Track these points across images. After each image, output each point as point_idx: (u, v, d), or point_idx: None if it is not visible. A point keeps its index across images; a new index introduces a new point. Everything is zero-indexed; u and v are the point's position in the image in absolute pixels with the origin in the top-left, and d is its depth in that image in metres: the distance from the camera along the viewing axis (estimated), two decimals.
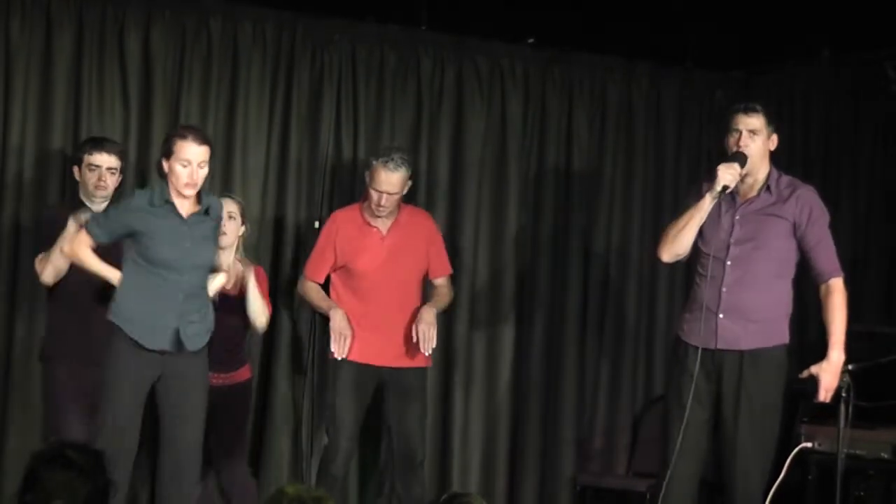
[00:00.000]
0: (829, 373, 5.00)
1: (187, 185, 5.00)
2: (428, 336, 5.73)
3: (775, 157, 6.88)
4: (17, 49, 5.88)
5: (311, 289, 5.87)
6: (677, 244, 5.14)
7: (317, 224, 6.26)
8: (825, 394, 5.01)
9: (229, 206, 5.59)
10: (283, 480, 6.06)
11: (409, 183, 5.84)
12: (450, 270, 6.03)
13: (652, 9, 6.46)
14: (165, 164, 5.03)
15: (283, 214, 6.33)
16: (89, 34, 5.98)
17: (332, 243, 5.82)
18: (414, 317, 5.79)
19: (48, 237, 5.36)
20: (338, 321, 5.69)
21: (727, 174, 5.02)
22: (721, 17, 6.54)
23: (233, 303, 5.59)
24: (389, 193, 5.72)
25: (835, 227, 6.37)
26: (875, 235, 6.87)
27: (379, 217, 5.79)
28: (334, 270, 5.86)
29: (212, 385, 5.44)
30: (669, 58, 7.09)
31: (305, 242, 6.28)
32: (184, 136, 5.04)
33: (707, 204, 5.06)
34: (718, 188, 5.02)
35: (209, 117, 6.20)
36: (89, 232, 5.04)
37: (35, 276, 5.41)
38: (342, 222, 5.85)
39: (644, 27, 6.67)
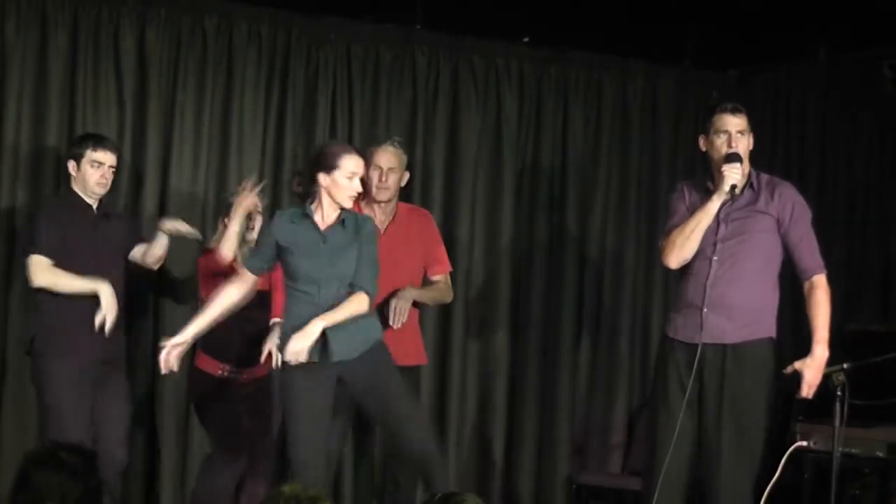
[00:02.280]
0: (812, 368, 4.99)
1: (351, 197, 5.02)
2: (398, 309, 5.62)
3: (774, 156, 6.90)
4: (13, 49, 5.88)
5: None
6: (686, 249, 5.12)
7: None
8: (808, 390, 5.00)
9: None
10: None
11: (407, 175, 5.83)
12: (449, 268, 5.99)
13: (648, 7, 6.46)
14: (325, 178, 4.98)
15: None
16: (85, 33, 5.99)
17: None
18: (412, 316, 5.79)
19: (36, 232, 5.39)
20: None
21: (733, 174, 5.03)
22: (717, 16, 6.54)
23: (263, 297, 5.56)
24: (388, 168, 5.71)
25: (831, 226, 6.38)
26: (871, 234, 6.86)
27: (379, 203, 5.76)
28: None
29: (240, 381, 5.57)
30: (665, 56, 7.09)
31: None
32: (349, 151, 5.04)
33: (715, 206, 5.05)
34: (727, 188, 5.02)
35: (204, 116, 6.20)
36: (251, 268, 5.07)
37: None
38: None
39: (640, 26, 6.67)
